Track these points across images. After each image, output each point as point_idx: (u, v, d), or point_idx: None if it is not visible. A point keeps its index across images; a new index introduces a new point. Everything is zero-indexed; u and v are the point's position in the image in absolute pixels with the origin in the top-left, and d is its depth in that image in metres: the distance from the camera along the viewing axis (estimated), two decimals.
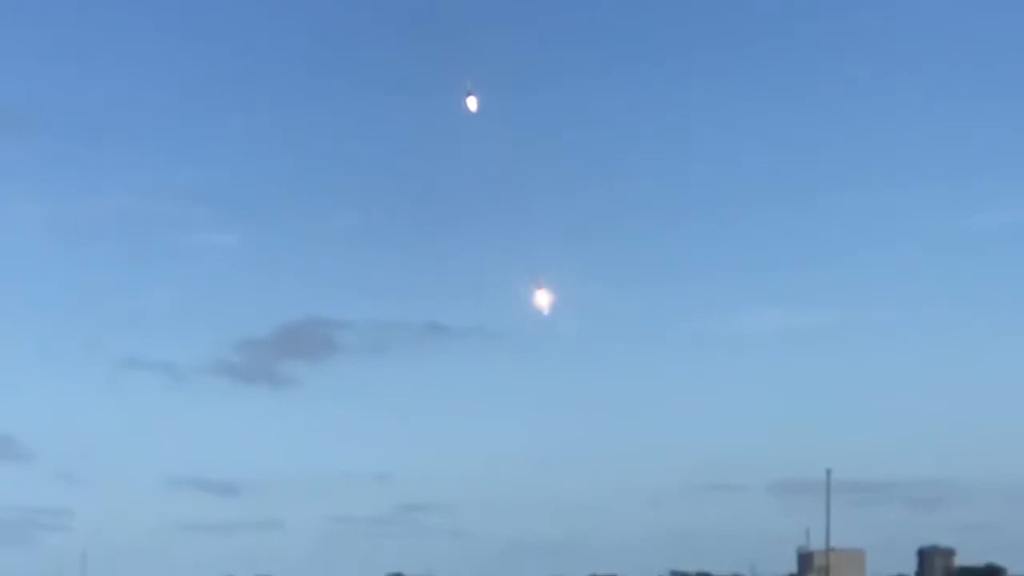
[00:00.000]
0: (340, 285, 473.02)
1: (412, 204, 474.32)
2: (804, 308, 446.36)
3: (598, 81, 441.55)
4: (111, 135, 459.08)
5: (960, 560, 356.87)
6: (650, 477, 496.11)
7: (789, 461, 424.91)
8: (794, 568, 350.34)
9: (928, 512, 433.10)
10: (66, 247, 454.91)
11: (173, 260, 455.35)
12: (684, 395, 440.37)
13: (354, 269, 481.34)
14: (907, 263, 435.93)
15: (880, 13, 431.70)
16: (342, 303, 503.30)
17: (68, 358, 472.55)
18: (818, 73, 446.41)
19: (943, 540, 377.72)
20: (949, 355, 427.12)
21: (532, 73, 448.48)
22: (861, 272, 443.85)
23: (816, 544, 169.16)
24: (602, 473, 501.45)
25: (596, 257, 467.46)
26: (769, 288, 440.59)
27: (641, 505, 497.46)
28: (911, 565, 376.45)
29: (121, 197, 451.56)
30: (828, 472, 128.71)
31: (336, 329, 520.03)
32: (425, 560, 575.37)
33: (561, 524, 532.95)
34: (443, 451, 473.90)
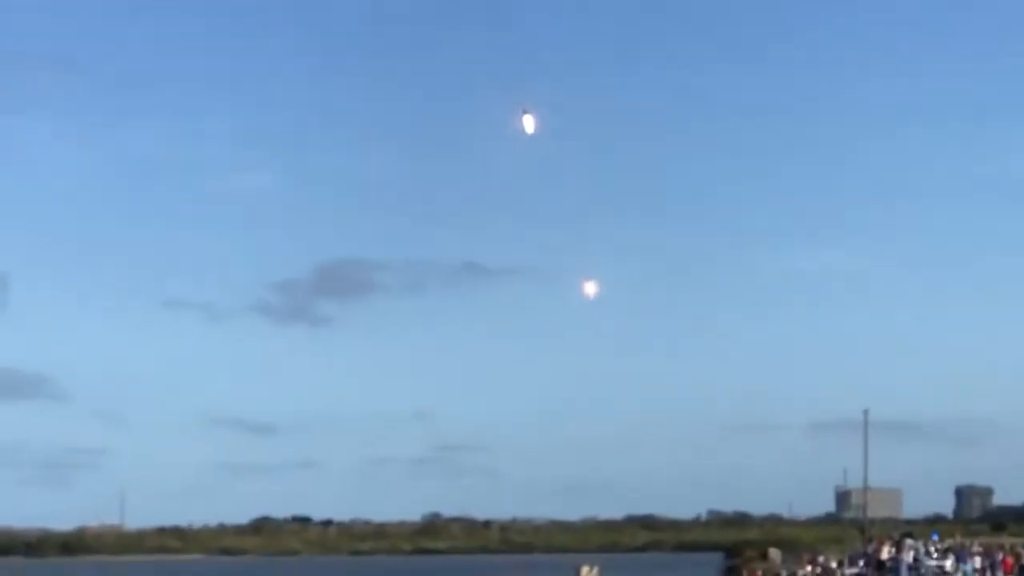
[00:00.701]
0: (377, 225, 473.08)
1: (448, 144, 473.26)
2: (843, 248, 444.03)
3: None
4: (150, 77, 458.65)
5: (998, 499, 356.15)
6: (688, 418, 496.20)
7: (827, 401, 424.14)
8: (832, 507, 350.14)
9: (966, 451, 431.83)
10: (104, 188, 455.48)
11: (211, 201, 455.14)
12: (722, 335, 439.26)
13: (391, 209, 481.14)
14: (949, 204, 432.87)
15: None
16: (379, 243, 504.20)
17: (106, 299, 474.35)
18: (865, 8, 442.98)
19: (981, 479, 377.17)
20: (988, 296, 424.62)
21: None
22: (903, 212, 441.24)
23: (853, 483, 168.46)
24: (639, 414, 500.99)
25: (635, 195, 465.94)
26: (809, 228, 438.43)
27: (679, 446, 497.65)
28: (949, 504, 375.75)
29: (160, 139, 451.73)
30: (865, 412, 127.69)
31: (373, 269, 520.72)
32: (462, 500, 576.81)
33: (598, 464, 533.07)
34: (481, 391, 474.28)
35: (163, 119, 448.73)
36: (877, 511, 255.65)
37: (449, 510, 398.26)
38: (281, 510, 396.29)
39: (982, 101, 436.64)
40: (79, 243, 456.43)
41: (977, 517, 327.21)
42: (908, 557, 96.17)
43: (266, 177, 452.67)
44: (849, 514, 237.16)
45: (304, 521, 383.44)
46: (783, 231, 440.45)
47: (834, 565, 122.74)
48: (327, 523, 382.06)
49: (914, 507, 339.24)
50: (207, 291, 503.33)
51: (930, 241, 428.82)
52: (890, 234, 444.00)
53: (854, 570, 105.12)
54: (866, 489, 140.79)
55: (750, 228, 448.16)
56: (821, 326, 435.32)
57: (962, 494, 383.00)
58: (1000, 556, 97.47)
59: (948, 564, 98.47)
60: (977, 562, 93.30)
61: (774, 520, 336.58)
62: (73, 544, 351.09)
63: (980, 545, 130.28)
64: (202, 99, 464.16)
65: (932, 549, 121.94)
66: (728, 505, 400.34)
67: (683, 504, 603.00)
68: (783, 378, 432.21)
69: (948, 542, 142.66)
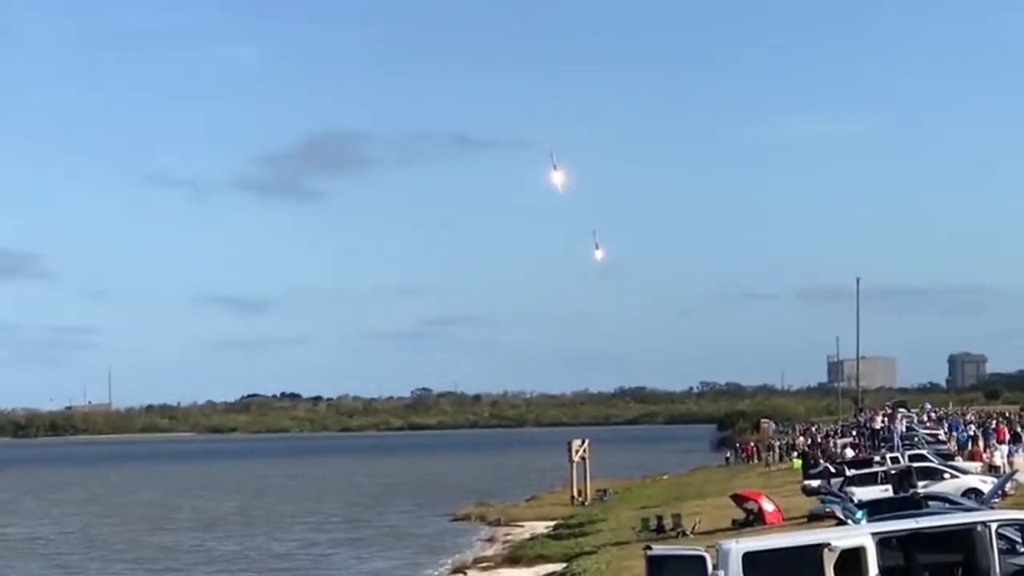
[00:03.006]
0: (365, 97, 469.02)
1: (437, 15, 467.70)
2: (837, 115, 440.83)
3: None
4: None
5: (991, 367, 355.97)
6: (680, 288, 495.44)
7: (819, 269, 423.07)
8: (824, 377, 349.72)
9: (959, 319, 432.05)
10: (88, 64, 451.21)
11: (195, 75, 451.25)
12: (714, 204, 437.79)
13: (378, 80, 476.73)
14: (945, 71, 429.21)
15: None
16: (367, 115, 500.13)
17: (92, 176, 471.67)
18: None
19: (974, 347, 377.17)
20: (983, 163, 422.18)
21: None
22: (896, 79, 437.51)
23: (846, 352, 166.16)
24: (632, 285, 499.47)
25: (627, 63, 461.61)
26: (802, 95, 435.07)
27: (670, 317, 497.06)
28: (942, 372, 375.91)
29: (142, 12, 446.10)
30: (857, 280, 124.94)
31: (361, 141, 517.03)
32: (453, 374, 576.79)
33: (590, 337, 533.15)
34: (472, 263, 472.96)
35: None
36: (871, 380, 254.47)
37: (439, 385, 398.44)
38: (270, 387, 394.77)
39: None
40: (61, 119, 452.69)
41: (970, 385, 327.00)
42: (901, 426, 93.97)
43: (252, 47, 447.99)
44: (842, 384, 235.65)
45: (293, 398, 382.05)
46: (772, 98, 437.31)
47: (827, 435, 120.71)
48: (316, 399, 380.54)
49: (907, 376, 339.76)
50: (192, 166, 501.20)
51: (926, 108, 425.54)
52: (885, 101, 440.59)
53: (847, 439, 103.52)
54: (858, 358, 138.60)
55: (738, 96, 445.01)
56: (812, 193, 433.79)
57: (955, 362, 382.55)
58: (993, 424, 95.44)
59: (941, 432, 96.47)
60: (971, 430, 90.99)
61: (766, 391, 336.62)
62: (61, 424, 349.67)
63: (974, 413, 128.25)
64: None
65: (925, 417, 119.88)
66: (720, 376, 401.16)
67: (675, 376, 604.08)
68: (774, 246, 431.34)
69: (942, 410, 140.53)
